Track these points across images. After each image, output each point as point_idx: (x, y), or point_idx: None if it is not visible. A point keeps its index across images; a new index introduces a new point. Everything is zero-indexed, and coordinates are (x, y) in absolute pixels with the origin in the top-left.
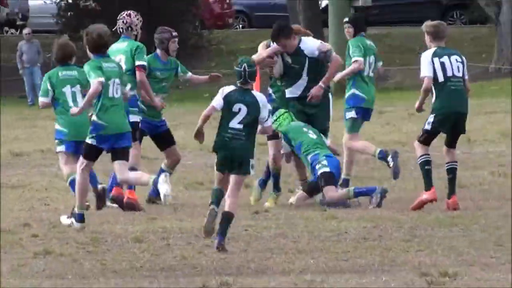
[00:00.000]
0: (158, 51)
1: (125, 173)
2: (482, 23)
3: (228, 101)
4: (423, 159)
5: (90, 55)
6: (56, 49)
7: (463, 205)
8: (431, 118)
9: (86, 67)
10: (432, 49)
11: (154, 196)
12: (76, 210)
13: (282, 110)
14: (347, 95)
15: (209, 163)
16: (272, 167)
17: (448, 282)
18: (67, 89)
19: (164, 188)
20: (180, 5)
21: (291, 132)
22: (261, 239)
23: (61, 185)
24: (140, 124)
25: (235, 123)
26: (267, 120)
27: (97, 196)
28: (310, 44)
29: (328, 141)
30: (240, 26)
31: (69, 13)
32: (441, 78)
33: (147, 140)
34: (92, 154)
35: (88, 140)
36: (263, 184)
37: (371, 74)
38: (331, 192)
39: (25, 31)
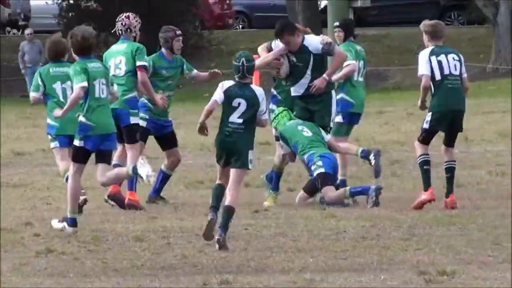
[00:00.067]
0: (163, 49)
1: (106, 175)
2: (480, 23)
3: (228, 95)
4: (422, 159)
5: (76, 57)
6: (49, 46)
7: (461, 204)
8: (428, 117)
9: (70, 71)
10: (430, 48)
11: (154, 196)
12: (68, 214)
13: (280, 108)
14: (336, 98)
15: (209, 162)
16: (278, 166)
17: (446, 281)
18: (57, 85)
19: (144, 170)
20: (180, 5)
21: (287, 133)
22: (261, 238)
23: (63, 184)
24: (146, 124)
25: (235, 118)
26: (264, 113)
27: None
28: (314, 40)
29: (328, 136)
30: (240, 26)
31: (70, 14)
32: (438, 77)
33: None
34: (80, 156)
35: (76, 142)
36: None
37: (360, 78)
38: (330, 192)
39: (27, 31)
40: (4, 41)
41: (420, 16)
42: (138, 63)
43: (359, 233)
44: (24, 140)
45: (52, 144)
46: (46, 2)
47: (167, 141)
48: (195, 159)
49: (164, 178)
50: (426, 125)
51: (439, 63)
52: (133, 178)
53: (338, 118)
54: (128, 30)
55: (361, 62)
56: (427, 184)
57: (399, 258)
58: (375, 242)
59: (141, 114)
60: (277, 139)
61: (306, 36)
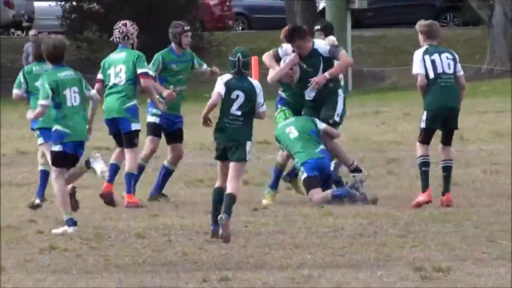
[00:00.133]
0: (172, 44)
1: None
2: (475, 24)
3: (227, 88)
4: (421, 160)
5: (48, 64)
6: (34, 46)
7: (456, 202)
8: (424, 116)
9: (40, 81)
10: (424, 47)
11: (156, 194)
12: (64, 217)
13: (279, 109)
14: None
15: (208, 161)
16: (280, 164)
17: (442, 277)
18: (39, 84)
19: (98, 166)
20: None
21: (279, 136)
22: (260, 235)
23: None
24: (159, 120)
25: (234, 110)
26: (262, 105)
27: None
28: (322, 43)
29: (323, 126)
30: (240, 28)
31: (73, 15)
32: (431, 75)
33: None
34: (60, 161)
35: (55, 148)
36: (293, 177)
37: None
38: (315, 195)
39: (31, 32)
40: (8, 42)
41: (416, 18)
42: (140, 71)
43: (356, 230)
44: (27, 139)
45: (39, 141)
46: (49, 5)
47: (174, 135)
48: (195, 158)
49: (166, 173)
50: (422, 124)
51: (433, 62)
52: (132, 182)
53: None
54: (126, 38)
55: None
56: (425, 185)
57: (396, 255)
58: (372, 239)
59: (154, 110)
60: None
61: (315, 40)
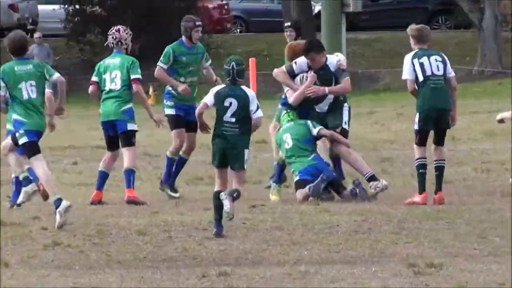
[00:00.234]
0: (183, 37)
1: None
2: (466, 28)
3: (219, 97)
4: (418, 163)
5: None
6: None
7: (448, 200)
8: (416, 118)
9: None
10: (413, 51)
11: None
12: (52, 200)
13: (284, 111)
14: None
15: (208, 160)
16: (283, 159)
17: (434, 273)
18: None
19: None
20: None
21: (277, 141)
22: (257, 231)
23: (69, 180)
24: (175, 110)
25: (228, 117)
26: (255, 112)
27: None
28: (334, 60)
29: (316, 130)
30: (238, 30)
31: (76, 18)
32: (421, 78)
33: (147, 138)
34: (32, 149)
35: (22, 141)
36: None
37: None
38: (298, 194)
39: (36, 35)
40: None
41: (409, 21)
42: (133, 77)
43: (351, 227)
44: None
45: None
46: (53, 8)
47: (190, 125)
48: (195, 156)
49: (180, 162)
50: (416, 126)
51: (421, 65)
52: (131, 177)
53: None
54: (119, 43)
55: None
56: (422, 188)
57: (390, 251)
58: (367, 236)
59: (167, 102)
60: None
61: (328, 55)
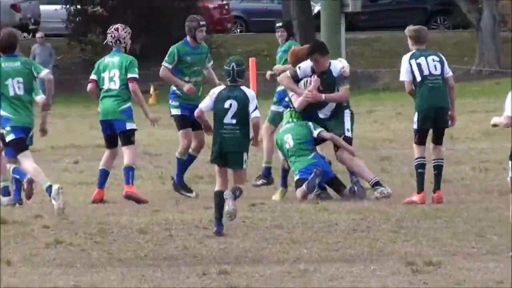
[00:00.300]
0: (187, 37)
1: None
2: (464, 28)
3: (219, 99)
4: (417, 162)
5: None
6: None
7: (447, 199)
8: (415, 117)
9: None
10: (411, 52)
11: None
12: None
13: (287, 109)
14: (278, 89)
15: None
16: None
17: (432, 271)
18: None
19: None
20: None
21: (277, 141)
22: (257, 230)
23: (70, 179)
24: (180, 110)
25: (228, 119)
26: (252, 112)
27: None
28: (336, 65)
29: (317, 131)
30: (238, 30)
31: (77, 18)
32: (418, 78)
33: (148, 137)
34: (19, 146)
35: (8, 138)
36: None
37: None
38: (297, 193)
39: (38, 34)
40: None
41: (408, 21)
42: (129, 75)
43: (350, 225)
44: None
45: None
46: (55, 9)
47: (195, 124)
48: None
49: (189, 160)
50: (415, 126)
51: (418, 65)
52: (130, 174)
53: (274, 107)
54: (118, 42)
55: None
56: (420, 187)
57: (388, 250)
58: (366, 234)
59: (172, 103)
60: None
61: (331, 61)
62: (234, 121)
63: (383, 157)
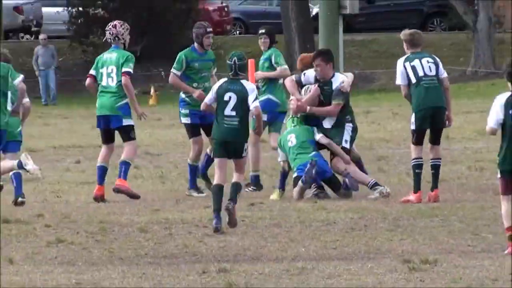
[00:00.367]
0: (195, 44)
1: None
2: (461, 29)
3: (220, 92)
4: (414, 163)
5: None
6: None
7: (443, 197)
8: (412, 118)
9: None
10: (405, 56)
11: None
12: (15, 166)
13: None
14: (261, 99)
15: None
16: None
17: (429, 269)
18: None
19: (30, 164)
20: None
21: (280, 142)
22: (256, 228)
23: (72, 178)
24: (190, 119)
25: (228, 111)
26: (252, 102)
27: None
28: (339, 78)
29: (318, 136)
30: (237, 32)
31: (79, 20)
32: (414, 80)
33: (148, 137)
34: None
35: None
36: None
37: (281, 81)
38: (294, 192)
39: (41, 36)
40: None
41: (405, 23)
42: (123, 69)
43: (348, 224)
44: (36, 137)
45: None
46: (57, 11)
47: (206, 130)
48: None
49: (208, 160)
50: (412, 126)
51: (413, 67)
52: (123, 168)
53: (264, 117)
54: (116, 38)
55: None
56: (417, 187)
57: (385, 248)
58: (363, 233)
59: (182, 111)
60: None
61: (337, 73)
62: (233, 113)
63: (380, 156)
